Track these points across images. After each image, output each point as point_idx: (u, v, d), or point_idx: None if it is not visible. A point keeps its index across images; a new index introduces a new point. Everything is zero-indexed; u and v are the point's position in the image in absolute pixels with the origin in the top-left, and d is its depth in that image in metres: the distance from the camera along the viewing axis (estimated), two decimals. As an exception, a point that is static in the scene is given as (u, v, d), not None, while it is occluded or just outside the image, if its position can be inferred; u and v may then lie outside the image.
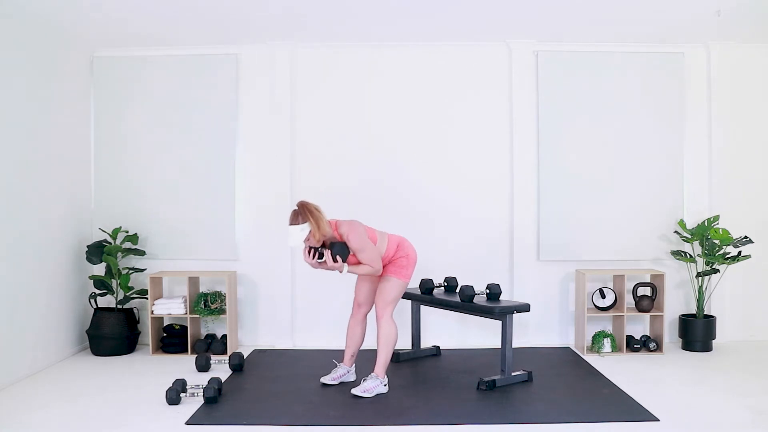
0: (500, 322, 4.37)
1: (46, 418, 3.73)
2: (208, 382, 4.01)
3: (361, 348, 4.43)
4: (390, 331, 4.14)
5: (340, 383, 4.32)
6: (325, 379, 4.35)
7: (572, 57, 5.49)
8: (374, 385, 4.09)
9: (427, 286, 4.83)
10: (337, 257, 3.93)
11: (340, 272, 4.01)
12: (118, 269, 5.20)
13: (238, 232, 5.53)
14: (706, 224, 5.27)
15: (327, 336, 5.37)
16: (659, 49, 5.48)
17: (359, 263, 4.04)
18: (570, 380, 4.47)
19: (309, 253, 3.98)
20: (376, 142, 5.48)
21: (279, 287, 5.48)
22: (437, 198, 5.51)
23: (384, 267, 4.18)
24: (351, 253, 4.00)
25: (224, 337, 5.33)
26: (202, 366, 4.67)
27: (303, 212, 3.90)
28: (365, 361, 4.56)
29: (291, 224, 3.92)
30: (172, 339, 5.25)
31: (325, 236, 3.96)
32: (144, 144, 5.52)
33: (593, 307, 5.31)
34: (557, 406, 3.92)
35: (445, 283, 4.91)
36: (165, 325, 5.38)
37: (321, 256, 3.98)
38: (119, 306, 5.28)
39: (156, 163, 5.52)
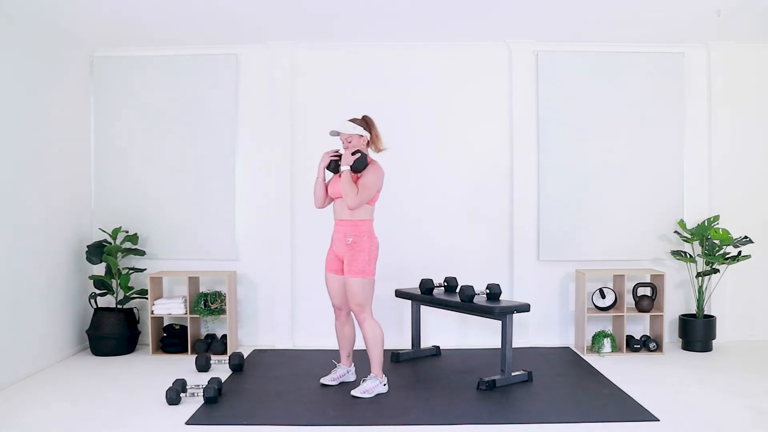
0: (500, 322, 4.37)
1: (46, 418, 3.73)
2: (208, 382, 4.01)
3: (357, 348, 4.44)
4: (374, 332, 4.12)
5: (340, 383, 4.33)
6: (325, 380, 4.35)
7: (572, 57, 5.49)
8: (374, 385, 4.09)
9: (427, 286, 4.83)
10: (357, 155, 4.04)
11: (342, 166, 4.10)
12: (118, 269, 5.20)
13: (238, 232, 5.53)
14: (706, 224, 5.27)
15: (327, 336, 5.35)
16: (659, 49, 5.48)
17: (355, 184, 4.07)
18: (570, 380, 4.47)
19: (333, 152, 4.23)
20: (376, 142, 5.48)
21: (279, 287, 5.48)
22: (437, 197, 5.51)
23: (348, 262, 4.10)
24: (358, 175, 4.09)
25: (224, 337, 5.33)
26: (202, 366, 4.67)
27: (369, 124, 4.19)
28: (365, 361, 4.56)
29: (349, 120, 4.18)
30: (172, 339, 5.25)
31: (360, 146, 4.16)
32: (144, 144, 5.52)
33: (593, 307, 5.31)
34: (557, 406, 3.92)
35: (445, 283, 4.91)
36: (165, 325, 5.38)
37: (337, 166, 4.19)
38: (119, 306, 5.28)
39: (156, 163, 5.52)
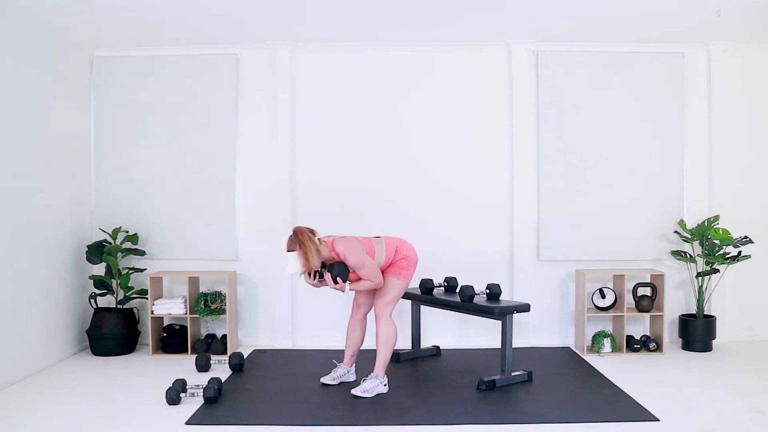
0: (500, 322, 4.37)
1: (46, 418, 3.73)
2: (208, 382, 4.01)
3: (361, 348, 4.44)
4: (389, 331, 4.15)
5: (340, 383, 4.32)
6: (325, 379, 4.35)
7: (572, 57, 5.49)
8: (374, 385, 4.09)
9: (427, 286, 4.83)
10: (338, 279, 3.93)
11: (343, 292, 4.00)
12: (118, 269, 5.20)
13: (238, 233, 5.53)
14: (706, 224, 5.27)
15: (327, 336, 5.37)
16: (659, 49, 5.48)
17: (360, 279, 4.04)
18: (570, 380, 4.47)
19: (310, 275, 4.01)
20: (377, 142, 5.48)
21: (279, 287, 5.48)
22: (437, 198, 5.51)
23: (385, 269, 4.19)
24: (351, 271, 4.00)
25: (224, 337, 5.33)
26: (202, 366, 4.67)
27: (295, 241, 3.90)
28: (365, 360, 4.56)
29: (288, 250, 3.92)
30: (172, 339, 5.25)
31: (322, 259, 3.98)
32: (144, 144, 5.52)
33: (593, 307, 5.31)
34: (557, 406, 3.92)
35: (445, 283, 4.91)
36: (165, 325, 5.38)
37: (321, 276, 4.01)
38: (119, 306, 5.28)
39: (156, 163, 5.52)
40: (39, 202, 4.78)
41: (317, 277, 4.02)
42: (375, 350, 4.20)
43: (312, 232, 3.96)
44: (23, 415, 3.78)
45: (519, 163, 5.47)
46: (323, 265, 4.03)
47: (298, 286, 5.50)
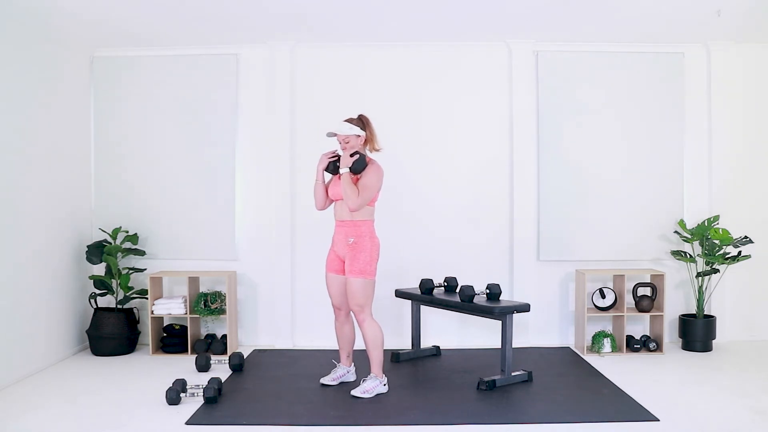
0: (500, 322, 4.37)
1: (46, 418, 3.73)
2: (208, 382, 4.01)
3: (357, 348, 4.44)
4: (374, 332, 4.12)
5: (340, 383, 4.33)
6: (325, 380, 4.35)
7: (572, 57, 5.49)
8: (373, 385, 4.09)
9: (427, 286, 4.83)
10: (355, 156, 4.03)
11: (339, 170, 4.10)
12: (118, 269, 5.20)
13: (238, 232, 5.53)
14: (706, 224, 5.27)
15: (327, 336, 5.36)
16: (659, 49, 5.48)
17: (355, 186, 4.05)
18: (570, 380, 4.47)
19: (333, 153, 4.22)
20: (376, 142, 5.48)
21: (279, 287, 5.48)
22: (437, 198, 5.51)
23: (349, 262, 4.10)
24: (357, 176, 4.08)
25: (224, 337, 5.33)
26: (202, 366, 4.67)
27: (365, 123, 4.18)
28: (365, 361, 4.56)
29: (346, 120, 4.16)
30: (172, 339, 5.25)
31: (358, 147, 4.14)
32: (144, 144, 5.52)
33: (593, 307, 5.31)
34: (557, 406, 3.92)
35: (445, 283, 4.91)
36: (165, 325, 5.38)
37: (336, 169, 4.16)
38: (119, 306, 5.28)
39: (156, 163, 5.52)
40: (39, 202, 4.78)
41: (334, 159, 4.19)
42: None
43: None
44: (23, 415, 3.78)
45: (519, 162, 5.47)
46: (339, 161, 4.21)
47: (298, 286, 5.50)
